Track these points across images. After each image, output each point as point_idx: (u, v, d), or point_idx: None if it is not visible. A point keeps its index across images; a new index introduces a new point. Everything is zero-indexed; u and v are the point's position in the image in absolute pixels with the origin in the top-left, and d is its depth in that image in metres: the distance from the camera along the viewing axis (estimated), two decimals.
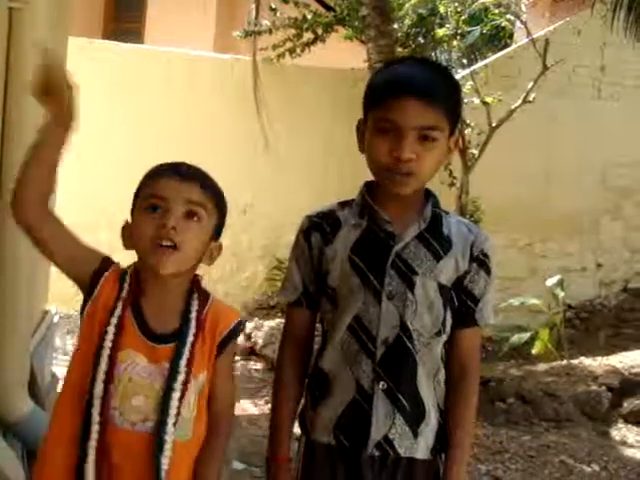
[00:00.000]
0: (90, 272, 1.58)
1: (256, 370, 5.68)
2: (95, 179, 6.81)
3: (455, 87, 1.75)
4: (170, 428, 1.52)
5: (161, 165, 1.63)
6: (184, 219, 1.55)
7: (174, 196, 1.55)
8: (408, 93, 1.61)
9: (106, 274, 1.58)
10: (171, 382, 1.53)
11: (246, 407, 4.79)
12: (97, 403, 1.51)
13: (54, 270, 3.29)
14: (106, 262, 1.60)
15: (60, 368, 3.94)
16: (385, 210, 1.70)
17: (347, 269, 1.69)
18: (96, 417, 1.50)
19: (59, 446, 1.55)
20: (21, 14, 2.63)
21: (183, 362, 1.54)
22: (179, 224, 1.54)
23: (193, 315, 1.59)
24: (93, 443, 1.50)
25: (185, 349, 1.55)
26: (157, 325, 1.56)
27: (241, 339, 6.12)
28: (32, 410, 2.84)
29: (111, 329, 1.53)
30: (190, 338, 1.56)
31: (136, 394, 1.53)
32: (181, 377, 1.54)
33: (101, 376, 1.51)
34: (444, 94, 1.66)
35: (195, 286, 1.63)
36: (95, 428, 1.50)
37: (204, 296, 1.62)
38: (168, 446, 1.52)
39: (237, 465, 3.73)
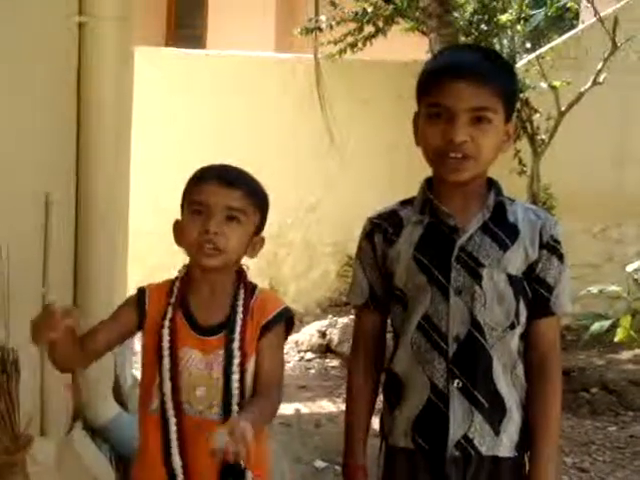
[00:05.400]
0: (135, 316, 1.74)
1: (333, 367, 5.67)
2: (164, 187, 6.89)
3: (508, 70, 1.72)
4: (235, 408, 1.66)
5: (205, 169, 1.75)
6: (225, 223, 1.67)
7: (215, 202, 1.68)
8: (458, 75, 1.58)
9: (147, 298, 1.74)
10: (229, 367, 1.66)
11: (324, 405, 4.79)
12: (169, 400, 1.68)
13: (131, 278, 3.36)
14: (140, 295, 1.75)
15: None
16: (447, 203, 1.67)
17: (412, 268, 1.67)
18: (171, 412, 1.67)
19: (150, 442, 1.73)
20: (90, 28, 2.70)
21: (236, 345, 1.67)
22: (220, 228, 1.67)
23: (240, 303, 1.70)
24: (174, 436, 1.67)
25: (235, 335, 1.67)
26: (205, 319, 1.70)
27: (316, 337, 6.13)
28: (118, 413, 2.92)
29: (165, 331, 1.69)
30: (239, 323, 1.68)
31: (198, 385, 1.67)
32: (237, 360, 1.66)
33: (167, 375, 1.67)
34: (496, 75, 1.62)
35: (241, 279, 1.74)
36: (172, 421, 1.68)
37: (251, 287, 1.74)
38: None
39: (319, 464, 3.74)
